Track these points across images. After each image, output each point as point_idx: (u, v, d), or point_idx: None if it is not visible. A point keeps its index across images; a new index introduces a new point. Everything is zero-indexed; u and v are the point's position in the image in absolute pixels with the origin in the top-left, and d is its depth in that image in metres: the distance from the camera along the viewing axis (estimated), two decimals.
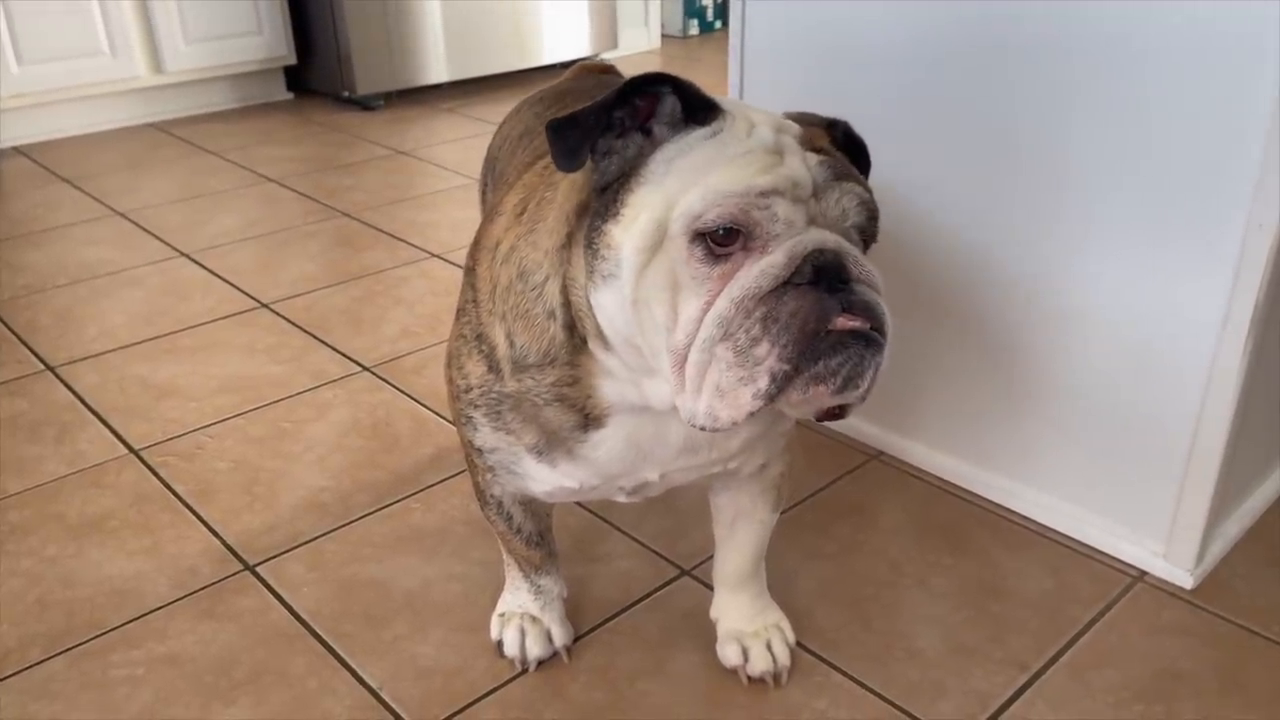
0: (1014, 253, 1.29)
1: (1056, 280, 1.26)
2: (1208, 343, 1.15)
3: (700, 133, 0.77)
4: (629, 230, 0.76)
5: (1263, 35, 1.02)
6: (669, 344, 0.76)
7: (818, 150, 0.79)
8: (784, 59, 1.45)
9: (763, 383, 0.73)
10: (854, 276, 0.75)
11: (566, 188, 0.83)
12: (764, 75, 1.48)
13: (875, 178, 0.92)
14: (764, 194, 0.73)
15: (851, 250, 0.76)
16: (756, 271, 0.73)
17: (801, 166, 0.76)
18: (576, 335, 0.84)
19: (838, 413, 0.78)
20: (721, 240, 0.73)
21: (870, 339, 0.74)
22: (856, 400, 0.77)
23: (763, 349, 0.72)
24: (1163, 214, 1.15)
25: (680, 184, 0.75)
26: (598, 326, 0.81)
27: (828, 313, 0.73)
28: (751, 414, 0.74)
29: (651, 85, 0.76)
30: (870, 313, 0.74)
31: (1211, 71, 1.06)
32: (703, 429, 0.77)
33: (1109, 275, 1.21)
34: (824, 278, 0.73)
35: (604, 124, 0.76)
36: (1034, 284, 1.29)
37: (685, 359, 0.75)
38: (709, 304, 0.74)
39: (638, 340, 0.78)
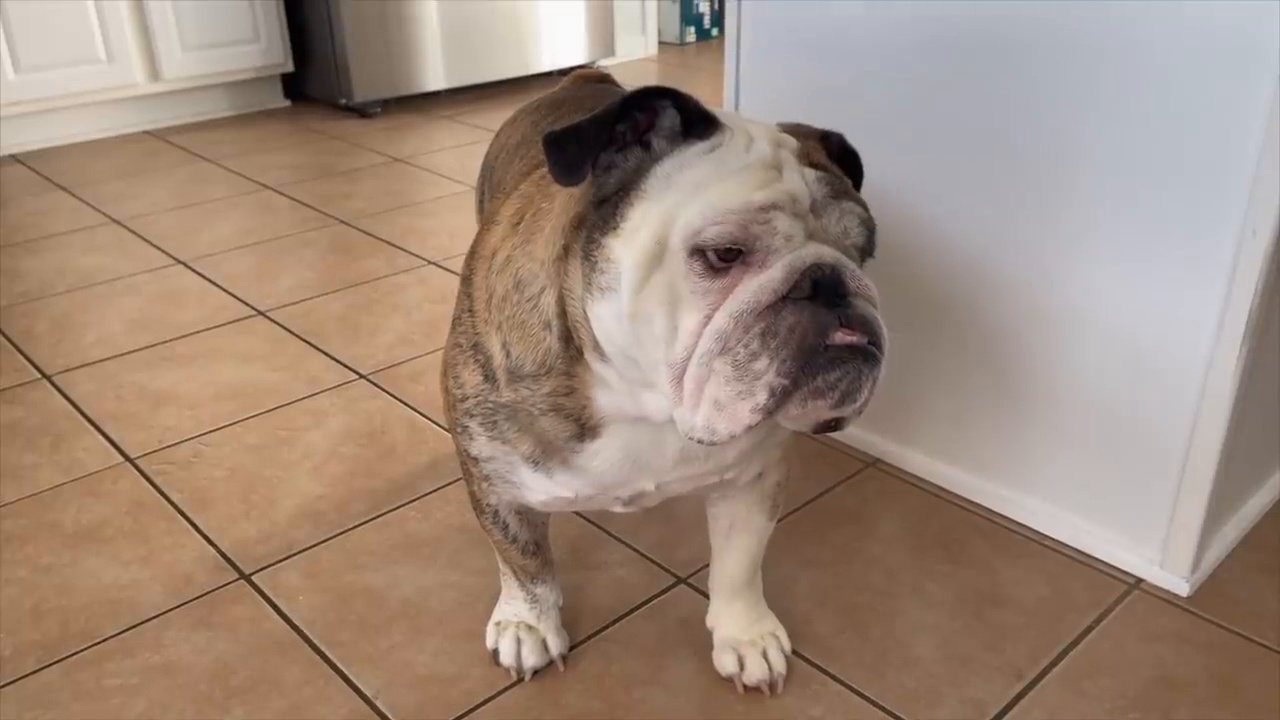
0: (1010, 258, 1.29)
1: (1052, 286, 1.27)
2: (1203, 349, 1.16)
3: (699, 147, 0.77)
4: (629, 245, 0.76)
5: (1260, 41, 1.02)
6: (667, 357, 0.76)
7: (815, 165, 0.79)
8: (780, 63, 1.45)
9: (761, 397, 0.73)
10: (851, 291, 0.75)
11: (564, 199, 0.83)
12: (760, 79, 1.48)
13: (872, 183, 0.93)
14: (764, 209, 0.74)
15: (849, 264, 0.76)
16: (755, 286, 0.73)
17: (800, 182, 0.77)
18: (573, 346, 0.84)
19: (834, 425, 0.79)
20: (721, 255, 0.74)
21: (868, 353, 0.75)
22: (853, 414, 0.77)
23: (761, 364, 0.73)
24: (1158, 220, 1.15)
25: (680, 199, 0.75)
26: (594, 338, 0.81)
27: (826, 328, 0.73)
28: (749, 428, 0.74)
29: (652, 99, 0.76)
30: (867, 327, 0.75)
31: (1208, 77, 1.07)
32: (700, 442, 0.77)
33: (1105, 281, 1.22)
34: (822, 292, 0.74)
35: (606, 138, 0.76)
36: (1030, 290, 1.29)
37: (683, 372, 0.75)
38: (707, 318, 0.74)
39: (635, 353, 0.78)
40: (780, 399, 0.73)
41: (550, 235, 0.84)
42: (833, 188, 0.78)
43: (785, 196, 0.75)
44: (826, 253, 0.75)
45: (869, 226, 0.80)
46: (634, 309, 0.76)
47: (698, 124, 0.78)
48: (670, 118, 0.77)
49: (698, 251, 0.74)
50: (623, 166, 0.78)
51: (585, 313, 0.80)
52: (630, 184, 0.77)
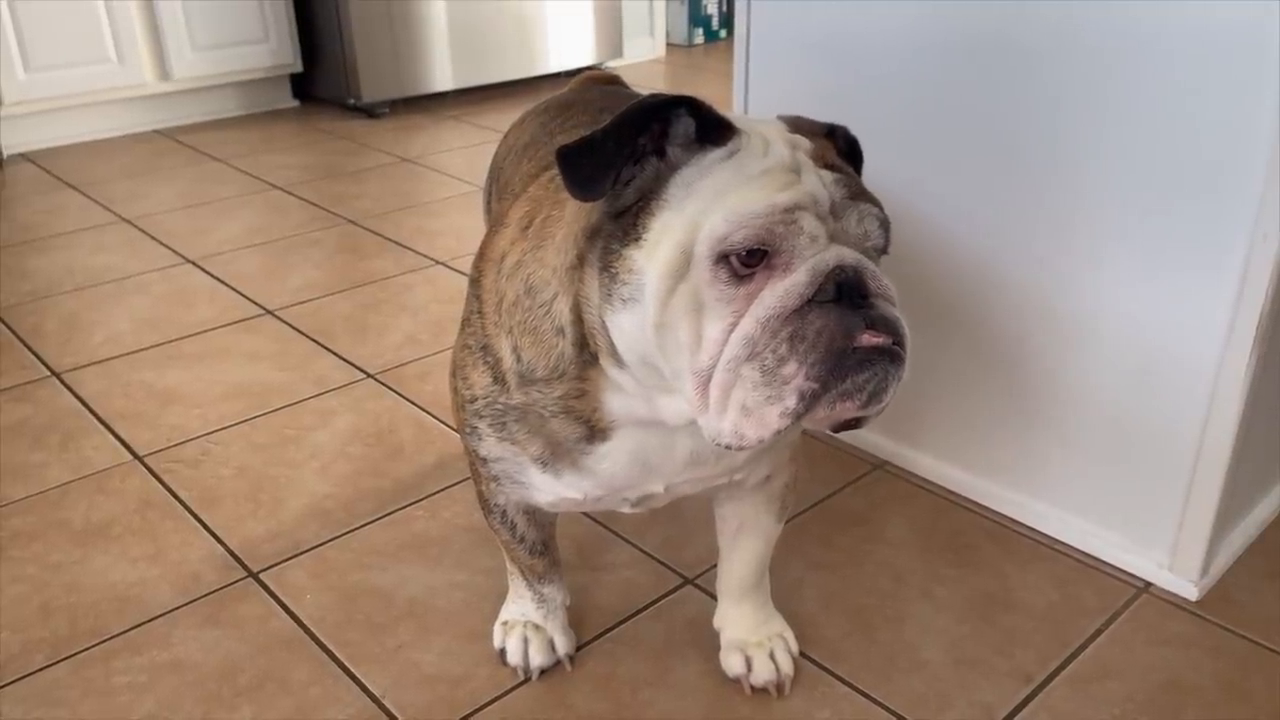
0: (1019, 262, 1.29)
1: (1062, 289, 1.26)
2: (1213, 354, 1.15)
3: (717, 153, 0.77)
4: (652, 256, 0.75)
5: (1269, 43, 1.02)
6: (692, 365, 0.76)
7: (829, 166, 0.79)
8: (789, 65, 1.45)
9: (791, 401, 0.73)
10: (873, 292, 0.75)
11: (574, 207, 0.83)
12: (769, 81, 1.48)
13: (882, 185, 0.92)
14: (788, 210, 0.74)
15: (870, 266, 0.76)
16: (781, 291, 0.73)
17: (818, 184, 0.77)
18: (586, 351, 0.84)
19: (854, 424, 0.79)
20: (745, 260, 0.73)
21: (893, 354, 0.75)
22: (876, 413, 0.77)
23: (790, 368, 0.73)
24: (1169, 223, 1.15)
25: (703, 206, 0.75)
26: (611, 345, 0.81)
27: (852, 330, 0.73)
28: (779, 432, 0.74)
29: (668, 108, 0.76)
30: (891, 328, 0.75)
31: (1217, 79, 1.07)
32: (728, 447, 0.77)
33: (1115, 285, 1.21)
34: (845, 295, 0.74)
35: (627, 152, 0.75)
36: (1040, 294, 1.29)
37: (709, 379, 0.75)
38: (732, 325, 0.74)
39: (657, 361, 0.78)
40: (809, 403, 0.73)
41: (562, 243, 0.83)
42: (849, 189, 0.78)
43: (808, 198, 0.75)
44: (848, 255, 0.75)
45: (886, 227, 0.80)
46: (660, 320, 0.75)
47: (713, 130, 0.77)
48: (685, 125, 0.77)
49: (723, 258, 0.73)
50: (641, 177, 0.77)
51: (603, 321, 0.80)
52: (649, 194, 0.77)
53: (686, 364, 0.76)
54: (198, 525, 1.42)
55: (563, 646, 1.16)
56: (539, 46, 3.77)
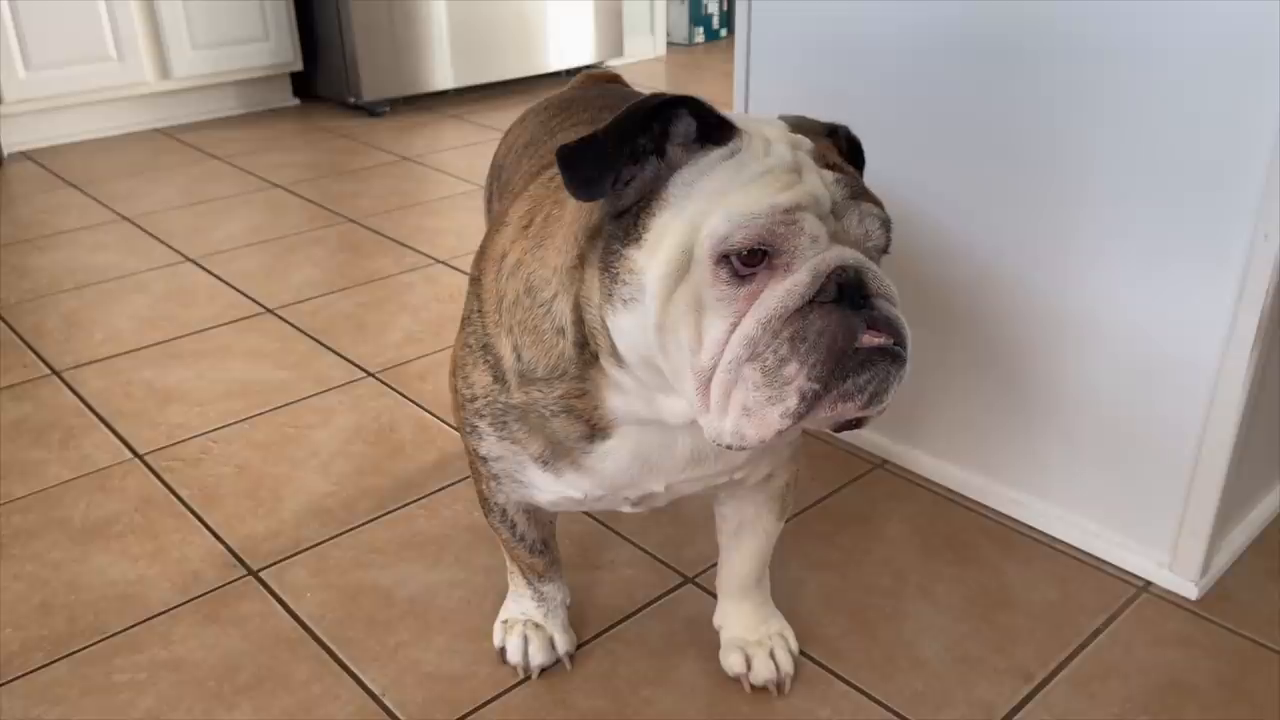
0: (1020, 261, 1.29)
1: (1063, 289, 1.26)
2: (1213, 354, 1.15)
3: (718, 153, 0.77)
4: (653, 256, 0.75)
5: (1266, 45, 1.02)
6: (693, 365, 0.76)
7: (830, 166, 0.79)
8: (790, 64, 1.45)
9: (792, 402, 0.73)
10: (874, 292, 0.75)
11: (575, 207, 0.83)
12: (770, 80, 1.48)
13: (882, 185, 0.93)
14: (789, 210, 0.74)
15: (871, 266, 0.76)
16: (782, 291, 0.73)
17: (820, 184, 0.76)
18: (587, 351, 0.84)
19: (855, 424, 0.79)
20: (746, 260, 0.73)
21: (894, 354, 0.75)
22: (878, 413, 0.77)
23: (791, 369, 0.73)
24: (1170, 223, 1.15)
25: (703, 207, 0.75)
26: (612, 345, 0.81)
27: (853, 330, 0.73)
28: (780, 433, 0.74)
29: (669, 108, 0.76)
30: (892, 328, 0.75)
31: (1219, 80, 1.07)
32: (729, 448, 0.77)
33: (1116, 284, 1.21)
34: (846, 295, 0.74)
35: (627, 153, 0.75)
36: (1040, 293, 1.29)
37: (710, 379, 0.75)
38: (734, 325, 0.74)
39: (659, 361, 0.78)
40: (811, 403, 0.73)
41: (563, 243, 0.83)
42: (850, 189, 0.78)
43: (809, 198, 0.75)
44: (849, 255, 0.75)
45: (887, 227, 0.80)
46: (661, 320, 0.75)
47: (714, 130, 0.77)
48: (685, 125, 0.77)
49: (723, 259, 0.73)
50: (641, 177, 0.77)
51: (604, 321, 0.80)
52: (650, 194, 0.77)
53: (687, 364, 0.76)
54: (198, 523, 1.42)
55: (563, 645, 1.17)
56: (539, 45, 3.77)
